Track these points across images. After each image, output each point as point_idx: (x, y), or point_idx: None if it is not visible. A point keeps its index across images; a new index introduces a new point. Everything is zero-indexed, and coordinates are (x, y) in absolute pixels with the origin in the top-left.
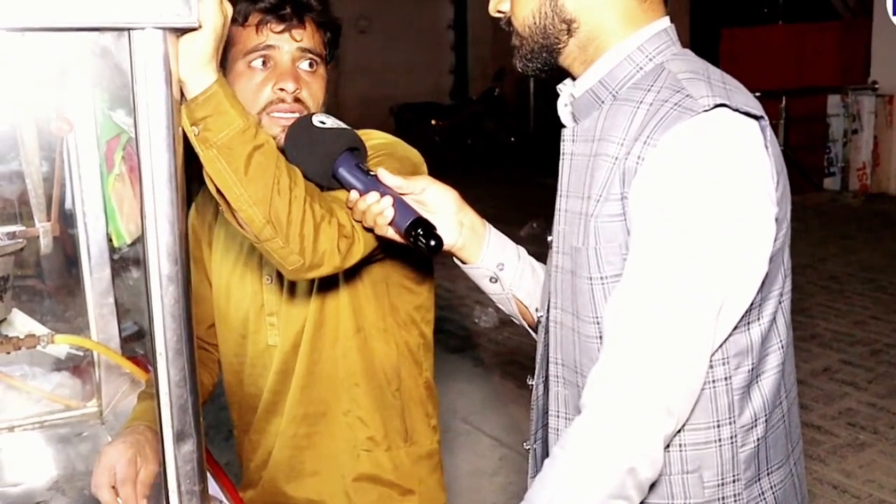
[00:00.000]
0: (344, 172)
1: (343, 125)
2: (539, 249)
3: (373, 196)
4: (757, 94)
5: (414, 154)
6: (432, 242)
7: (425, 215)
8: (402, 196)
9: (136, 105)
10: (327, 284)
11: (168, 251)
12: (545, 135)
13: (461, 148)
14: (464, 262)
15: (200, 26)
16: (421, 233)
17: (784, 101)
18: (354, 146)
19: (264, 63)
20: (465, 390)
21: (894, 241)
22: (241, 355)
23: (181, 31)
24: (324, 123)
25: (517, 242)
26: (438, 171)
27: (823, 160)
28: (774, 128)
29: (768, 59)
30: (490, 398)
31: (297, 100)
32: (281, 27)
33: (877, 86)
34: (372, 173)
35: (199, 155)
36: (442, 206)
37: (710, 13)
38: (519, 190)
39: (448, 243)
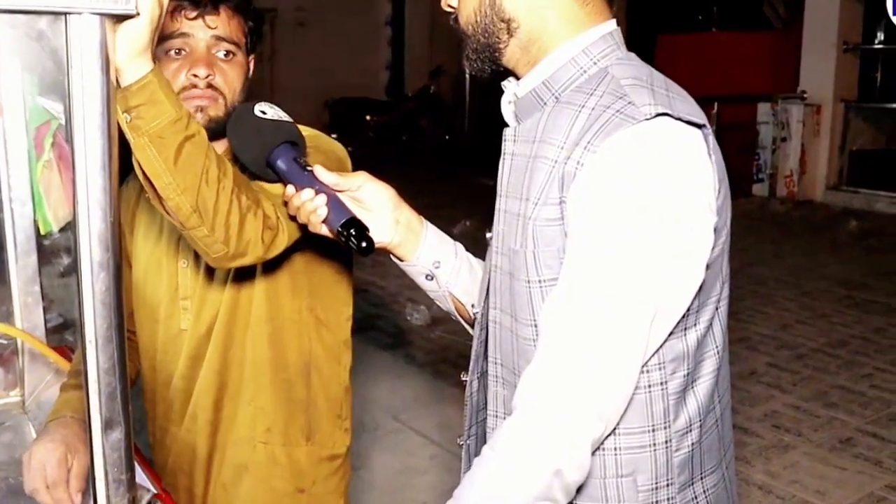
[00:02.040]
0: (281, 164)
1: (285, 117)
2: (472, 248)
3: (307, 193)
4: None
5: (338, 147)
6: (364, 244)
7: (361, 213)
8: (337, 193)
9: (70, 90)
10: (245, 271)
11: (100, 238)
12: (480, 134)
13: (396, 144)
14: (400, 260)
15: (138, 14)
16: (353, 233)
17: (716, 108)
18: (293, 140)
19: (179, 51)
20: (396, 388)
21: (820, 247)
22: (154, 341)
23: (118, 18)
24: (265, 113)
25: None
26: (373, 166)
27: (753, 167)
28: None
29: (702, 65)
30: (421, 396)
31: (210, 86)
32: (194, 13)
33: (805, 95)
34: (309, 168)
35: (130, 142)
36: (378, 203)
37: (646, 19)
38: (453, 188)
39: (384, 241)
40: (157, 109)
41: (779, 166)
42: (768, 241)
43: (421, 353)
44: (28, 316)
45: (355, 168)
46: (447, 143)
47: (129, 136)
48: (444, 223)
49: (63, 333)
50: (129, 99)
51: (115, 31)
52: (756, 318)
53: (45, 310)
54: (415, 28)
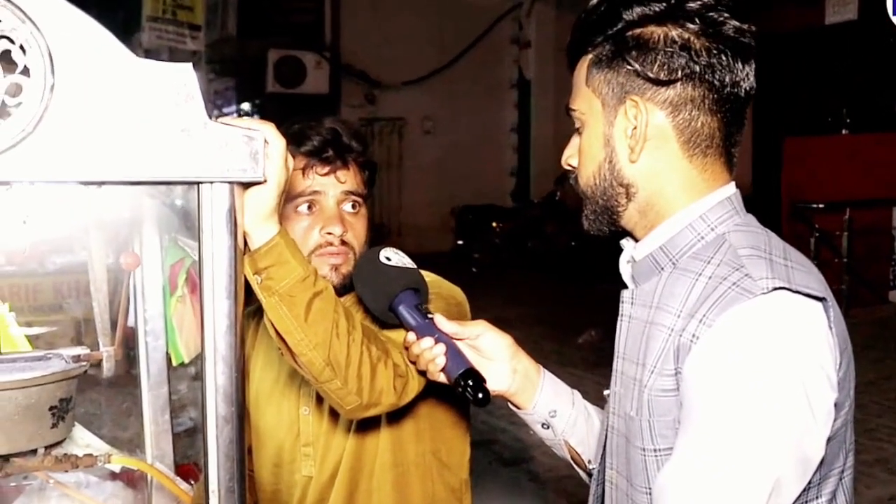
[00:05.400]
0: (403, 311)
1: (408, 263)
2: (597, 358)
3: (427, 341)
4: (820, 205)
5: (458, 293)
6: (480, 395)
7: (479, 361)
8: (457, 341)
9: (201, 254)
10: (369, 418)
11: (225, 393)
12: (605, 241)
13: (521, 251)
14: (517, 408)
15: (266, 180)
16: (470, 384)
17: (847, 213)
18: (416, 286)
19: (310, 207)
20: None
21: None
22: (274, 483)
23: (247, 185)
24: (389, 260)
25: (575, 350)
26: (498, 273)
27: (889, 272)
28: (837, 239)
29: (832, 168)
30: None
31: (343, 242)
32: (325, 170)
33: None
34: (430, 316)
35: (262, 302)
36: (496, 352)
37: (773, 122)
38: (578, 295)
39: (501, 389)
40: (286, 269)
41: None
42: None
43: (543, 470)
44: (157, 444)
45: (482, 276)
46: (573, 249)
47: (260, 296)
48: (569, 331)
49: (192, 437)
50: (259, 261)
51: (244, 196)
52: (894, 437)
53: (176, 414)
54: (540, 135)
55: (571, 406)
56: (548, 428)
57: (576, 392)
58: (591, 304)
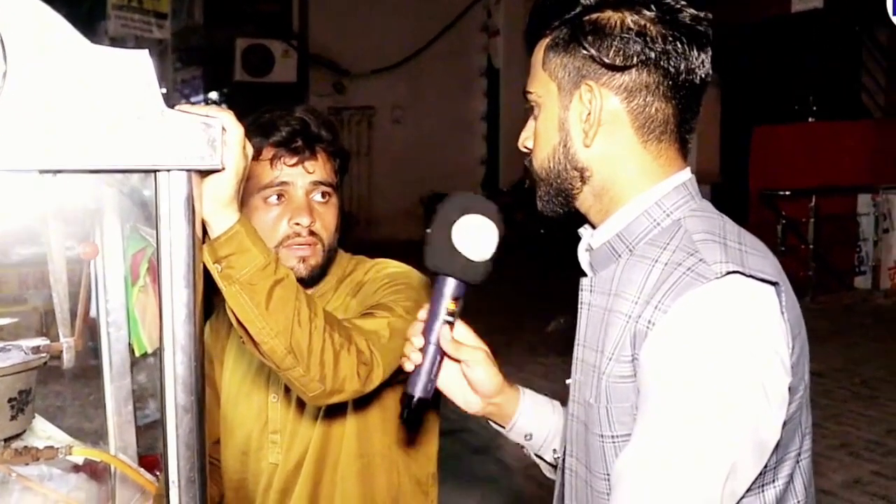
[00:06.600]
0: (445, 290)
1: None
2: (565, 346)
3: (418, 341)
4: (787, 192)
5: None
6: (405, 415)
7: (460, 382)
8: (446, 357)
9: (159, 243)
10: (336, 406)
11: (184, 383)
12: (574, 228)
13: None
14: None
15: (224, 168)
16: (408, 406)
17: (814, 200)
18: (474, 282)
19: (279, 197)
20: (487, 493)
21: None
22: (241, 472)
23: (205, 173)
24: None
25: (544, 339)
26: None
27: (854, 259)
28: (804, 226)
29: (799, 156)
30: (513, 501)
31: (311, 233)
32: (294, 160)
33: None
34: (449, 320)
35: (223, 291)
36: (482, 388)
37: (741, 110)
38: (547, 282)
39: (473, 412)
40: (247, 257)
41: (882, 258)
42: (871, 338)
43: (511, 458)
44: (121, 435)
45: None
46: (542, 236)
47: (221, 285)
48: (538, 319)
49: (157, 428)
50: (219, 249)
51: (202, 184)
52: (859, 421)
53: (139, 405)
54: (509, 123)
55: (549, 428)
56: (526, 443)
57: (555, 403)
58: (560, 290)
